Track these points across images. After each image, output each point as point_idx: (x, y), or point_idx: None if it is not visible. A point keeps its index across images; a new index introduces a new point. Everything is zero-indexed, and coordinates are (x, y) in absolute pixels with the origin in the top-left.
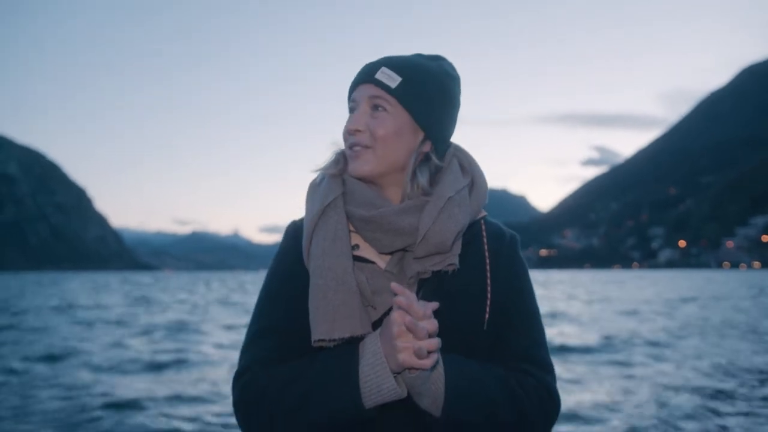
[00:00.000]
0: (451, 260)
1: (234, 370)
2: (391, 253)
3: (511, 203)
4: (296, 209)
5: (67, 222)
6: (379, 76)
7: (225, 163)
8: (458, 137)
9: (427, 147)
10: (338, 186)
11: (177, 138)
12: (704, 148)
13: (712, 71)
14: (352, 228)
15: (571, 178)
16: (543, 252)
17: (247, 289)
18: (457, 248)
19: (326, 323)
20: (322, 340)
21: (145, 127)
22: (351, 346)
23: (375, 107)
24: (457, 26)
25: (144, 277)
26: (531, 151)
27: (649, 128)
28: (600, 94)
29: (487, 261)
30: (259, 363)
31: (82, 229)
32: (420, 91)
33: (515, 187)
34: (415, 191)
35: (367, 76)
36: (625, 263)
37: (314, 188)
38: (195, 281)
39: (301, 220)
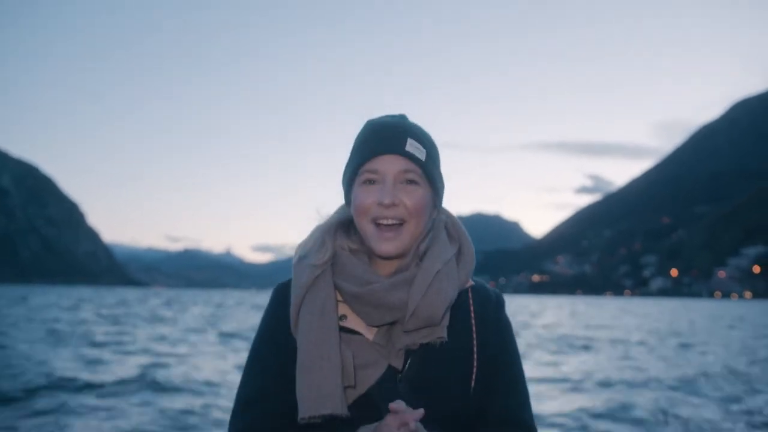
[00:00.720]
0: (440, 333)
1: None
2: (379, 326)
3: (504, 229)
4: (289, 230)
5: (59, 236)
6: (409, 148)
7: (219, 181)
8: (455, 163)
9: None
10: (325, 252)
11: (171, 155)
12: (697, 179)
13: (706, 103)
14: (340, 298)
15: (564, 205)
16: (535, 278)
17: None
18: (446, 321)
19: (309, 401)
20: (304, 418)
21: (140, 143)
22: None
23: (408, 181)
24: (452, 52)
25: (129, 293)
26: (525, 178)
27: (642, 158)
28: (594, 123)
29: (474, 329)
30: None
31: (73, 244)
32: (438, 163)
33: (509, 213)
34: (409, 263)
35: (395, 147)
36: (617, 291)
37: (299, 250)
38: (178, 298)
39: (289, 283)
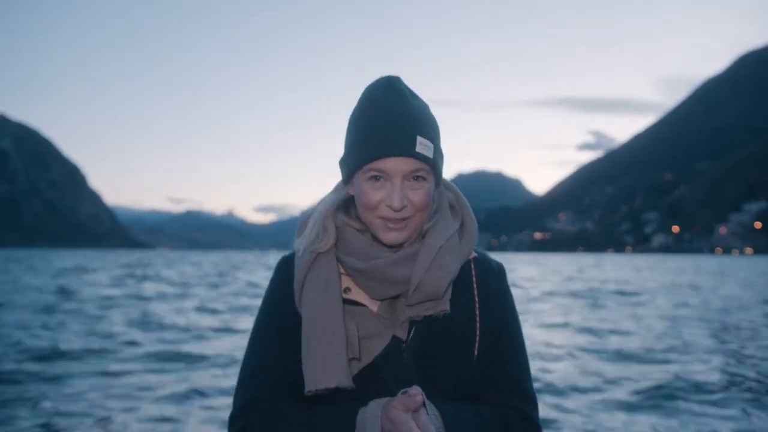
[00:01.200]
0: (444, 306)
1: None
2: (383, 299)
3: (506, 186)
4: (290, 191)
5: (61, 199)
6: (419, 149)
7: (220, 142)
8: (457, 120)
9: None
10: (328, 240)
11: (172, 117)
12: (700, 135)
13: (710, 57)
14: (343, 271)
15: (566, 162)
16: (537, 235)
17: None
18: (449, 294)
19: (315, 374)
20: (311, 391)
21: (141, 106)
22: (349, 414)
23: (416, 178)
24: (454, 8)
25: (129, 256)
26: (527, 135)
27: (645, 114)
28: (597, 79)
29: (476, 300)
30: (253, 406)
31: (75, 206)
32: (441, 149)
33: (510, 170)
34: (413, 239)
35: (405, 149)
36: (619, 247)
37: (300, 231)
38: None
39: (292, 257)
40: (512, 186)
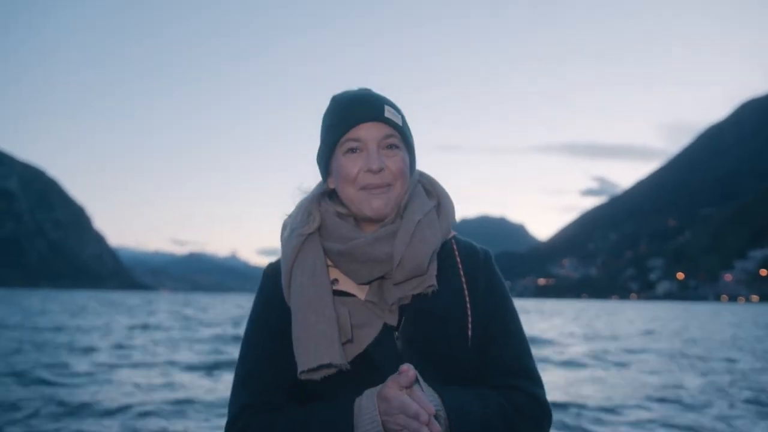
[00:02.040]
0: (430, 282)
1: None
2: (369, 283)
3: (509, 231)
4: None
5: (65, 239)
6: (388, 114)
7: (224, 185)
8: (460, 165)
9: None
10: (313, 221)
11: (177, 159)
12: (704, 181)
13: (713, 104)
14: (330, 263)
15: (570, 207)
16: (541, 281)
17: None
18: (433, 269)
19: (307, 354)
20: (305, 372)
21: (146, 147)
22: (346, 405)
23: (389, 146)
24: (457, 54)
25: (131, 299)
26: (530, 180)
27: (649, 159)
28: (600, 125)
29: (463, 279)
30: (249, 410)
31: (79, 247)
32: (409, 127)
33: (514, 216)
34: (392, 219)
35: (375, 114)
36: (623, 294)
37: (285, 225)
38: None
39: (277, 263)
40: (516, 231)
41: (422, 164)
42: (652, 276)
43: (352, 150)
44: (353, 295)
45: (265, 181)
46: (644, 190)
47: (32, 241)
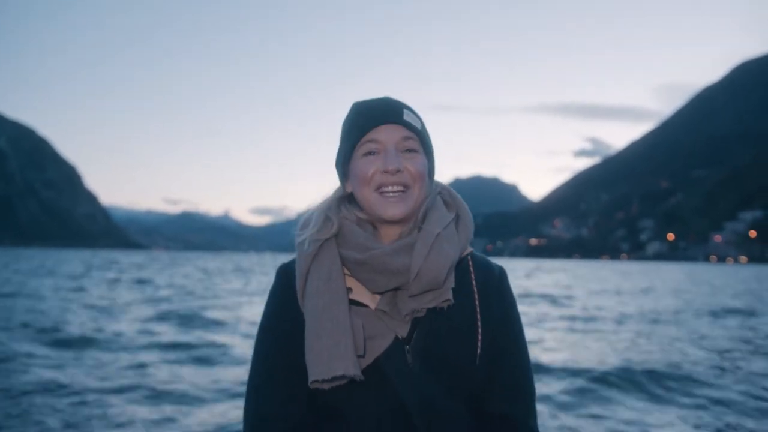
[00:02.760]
0: (446, 296)
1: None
2: (383, 293)
3: (502, 192)
4: (286, 193)
5: (57, 199)
6: (407, 118)
7: (217, 144)
8: (454, 126)
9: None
10: (331, 227)
11: (169, 118)
12: (697, 143)
13: (707, 66)
14: (345, 271)
15: (563, 168)
16: (533, 241)
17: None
18: (450, 283)
19: (320, 364)
20: (317, 381)
21: (138, 106)
22: None
23: (408, 150)
24: (453, 16)
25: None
26: (524, 141)
27: (642, 121)
28: (595, 86)
29: (476, 296)
30: (265, 422)
31: (71, 207)
32: (428, 134)
33: (507, 176)
34: (410, 229)
35: (394, 117)
36: (614, 254)
37: (301, 228)
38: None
39: (291, 263)
40: (508, 192)
41: None
42: (643, 237)
43: (370, 152)
44: (365, 305)
45: (259, 141)
46: (637, 151)
47: (23, 200)
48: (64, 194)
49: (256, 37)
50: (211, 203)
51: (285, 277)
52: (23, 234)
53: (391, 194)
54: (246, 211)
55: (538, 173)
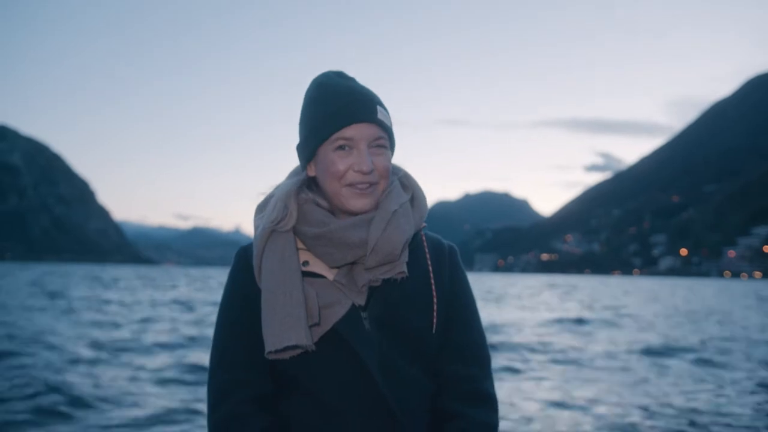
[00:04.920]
0: (401, 268)
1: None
2: (340, 267)
3: (513, 207)
4: None
5: (69, 214)
6: (380, 116)
7: (228, 159)
8: (464, 140)
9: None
10: (290, 218)
11: (180, 133)
12: (708, 157)
13: (718, 81)
14: (302, 246)
15: (574, 183)
16: (544, 256)
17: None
18: (405, 256)
19: (274, 335)
20: (272, 352)
21: (149, 121)
22: None
23: (378, 146)
24: (464, 29)
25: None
26: (535, 156)
27: (653, 136)
28: (605, 101)
29: (430, 269)
30: (230, 390)
31: (84, 222)
32: (391, 124)
33: (518, 191)
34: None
35: (367, 115)
36: (626, 270)
37: (259, 212)
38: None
39: (250, 245)
40: (519, 207)
41: (427, 139)
42: (655, 252)
43: (342, 147)
44: (323, 277)
45: (270, 156)
46: (648, 166)
47: (36, 215)
48: (77, 209)
49: (268, 54)
50: (222, 219)
51: (243, 258)
52: (36, 248)
53: (359, 189)
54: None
55: (549, 188)
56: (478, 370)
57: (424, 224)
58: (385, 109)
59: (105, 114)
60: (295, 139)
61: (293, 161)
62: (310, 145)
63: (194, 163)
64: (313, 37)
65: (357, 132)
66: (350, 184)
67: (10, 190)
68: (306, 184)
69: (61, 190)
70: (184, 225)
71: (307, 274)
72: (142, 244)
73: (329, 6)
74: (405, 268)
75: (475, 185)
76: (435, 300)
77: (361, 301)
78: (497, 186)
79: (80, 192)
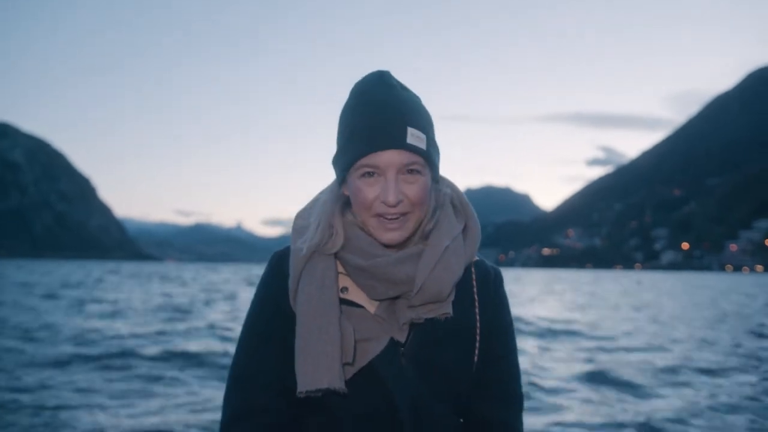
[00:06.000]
0: (446, 309)
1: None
2: (382, 300)
3: (514, 201)
4: (300, 203)
5: (71, 210)
6: (411, 140)
7: (229, 155)
8: (466, 135)
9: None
10: (337, 238)
11: (182, 129)
12: (710, 151)
13: (720, 74)
14: (342, 270)
15: (575, 177)
16: (545, 251)
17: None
18: (452, 297)
19: (307, 375)
20: (302, 392)
21: (151, 118)
22: None
23: (410, 171)
24: (466, 23)
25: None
26: (536, 150)
27: (655, 129)
28: (607, 95)
29: (477, 305)
30: (246, 417)
31: (85, 218)
32: (435, 142)
33: (519, 186)
34: (416, 238)
35: (396, 141)
36: (627, 264)
37: (299, 231)
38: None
39: (286, 251)
40: (521, 201)
41: None
42: (657, 246)
43: (369, 174)
44: (362, 306)
45: (271, 152)
46: (650, 159)
47: (38, 212)
48: (78, 206)
49: (268, 49)
50: (223, 215)
51: (279, 265)
52: (38, 246)
53: (389, 221)
54: (258, 223)
55: (551, 183)
56: (510, 413)
57: (476, 258)
58: (421, 128)
59: (106, 111)
60: (294, 135)
61: (293, 159)
62: (338, 168)
63: (195, 159)
64: (314, 32)
65: (383, 160)
66: (378, 215)
67: (12, 187)
68: (346, 202)
69: (62, 187)
70: (186, 221)
71: (345, 302)
72: (144, 240)
73: (331, 1)
74: (450, 309)
75: (476, 180)
76: (478, 340)
77: (401, 338)
78: (498, 180)
79: (82, 189)
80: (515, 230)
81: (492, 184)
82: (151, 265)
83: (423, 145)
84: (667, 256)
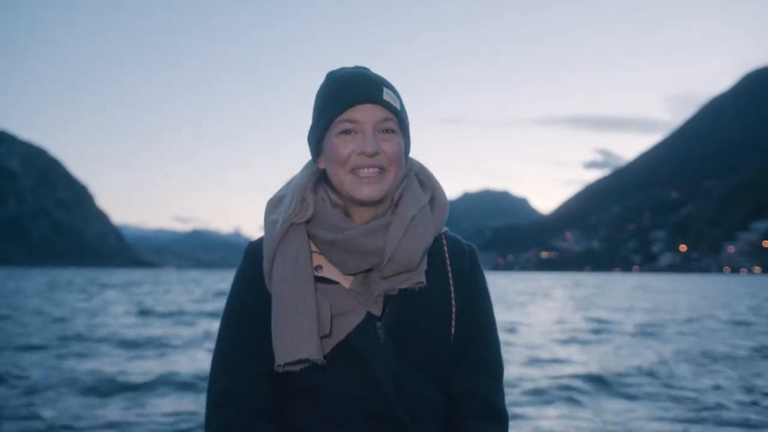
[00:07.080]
0: (419, 278)
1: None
2: (355, 274)
3: (512, 205)
4: None
5: (69, 218)
6: (386, 98)
7: (227, 161)
8: (463, 139)
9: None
10: (306, 210)
11: (179, 136)
12: (707, 153)
13: (716, 75)
14: (315, 249)
15: (573, 180)
16: (543, 254)
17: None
18: (423, 265)
19: (284, 348)
20: (281, 365)
21: (147, 124)
22: None
23: (386, 130)
24: (461, 26)
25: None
26: (533, 153)
27: (652, 132)
28: (604, 97)
29: (450, 276)
30: (229, 402)
31: (83, 226)
32: (406, 113)
33: (517, 189)
34: (385, 210)
35: (373, 96)
36: (626, 266)
37: (273, 207)
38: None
39: (259, 242)
40: (518, 205)
41: (426, 138)
42: (655, 248)
43: (347, 131)
44: (337, 283)
45: (270, 157)
46: (647, 162)
47: (35, 220)
48: (76, 213)
49: (266, 54)
50: (221, 221)
51: (253, 256)
52: (35, 254)
53: (366, 176)
54: (257, 229)
55: (548, 186)
56: (491, 386)
57: (445, 229)
58: (394, 91)
59: (102, 118)
60: (297, 139)
61: (293, 162)
62: (315, 133)
63: (193, 166)
64: (312, 36)
65: (361, 114)
66: (355, 170)
67: (9, 194)
68: (320, 177)
69: (59, 194)
70: (184, 227)
71: (320, 280)
72: (142, 247)
73: (328, 3)
74: (423, 278)
75: (474, 184)
76: (454, 311)
77: (376, 310)
78: (496, 184)
79: (79, 196)
80: (513, 234)
81: (490, 187)
82: (148, 272)
83: (398, 106)
84: (665, 259)
